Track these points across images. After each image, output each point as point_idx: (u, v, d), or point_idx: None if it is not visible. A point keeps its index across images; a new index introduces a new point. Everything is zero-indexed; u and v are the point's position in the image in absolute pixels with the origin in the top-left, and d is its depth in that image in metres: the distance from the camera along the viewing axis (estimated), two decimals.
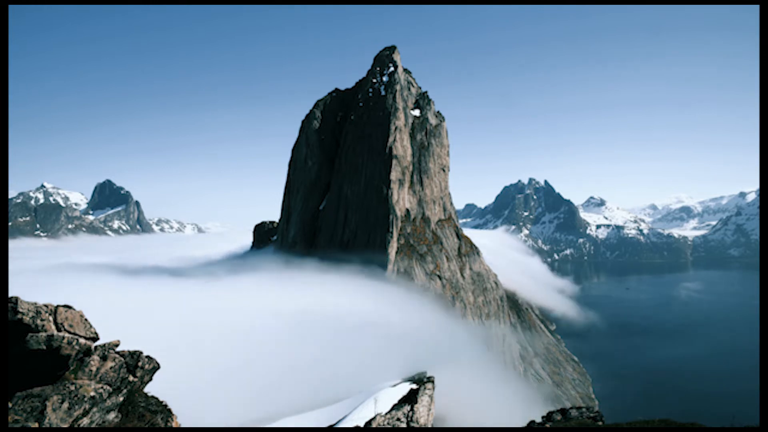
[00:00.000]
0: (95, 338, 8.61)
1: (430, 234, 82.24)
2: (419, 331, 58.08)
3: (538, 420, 19.05)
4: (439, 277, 76.64)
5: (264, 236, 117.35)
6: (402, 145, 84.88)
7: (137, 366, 9.24)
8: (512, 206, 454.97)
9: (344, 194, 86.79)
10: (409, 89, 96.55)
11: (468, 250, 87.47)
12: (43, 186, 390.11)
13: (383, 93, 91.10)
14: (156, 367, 9.78)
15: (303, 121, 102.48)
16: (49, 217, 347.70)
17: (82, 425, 7.67)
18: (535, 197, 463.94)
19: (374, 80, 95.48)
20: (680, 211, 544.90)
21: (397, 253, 75.95)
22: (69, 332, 8.04)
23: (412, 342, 53.63)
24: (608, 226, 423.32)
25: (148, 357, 9.63)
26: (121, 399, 8.70)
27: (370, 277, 71.64)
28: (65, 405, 7.45)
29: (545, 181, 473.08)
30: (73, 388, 7.74)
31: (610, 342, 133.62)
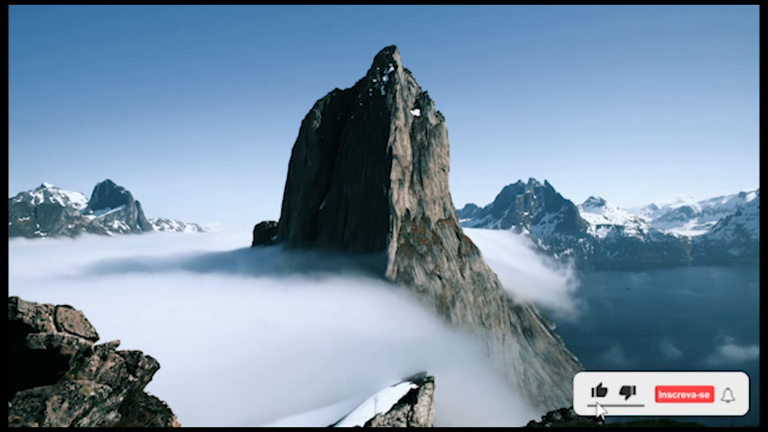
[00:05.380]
0: (95, 338, 8.62)
1: (430, 234, 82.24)
2: (417, 337, 58.13)
3: (538, 420, 19.04)
4: (439, 277, 76.64)
5: (264, 236, 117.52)
6: (402, 145, 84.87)
7: (137, 366, 9.24)
8: (512, 206, 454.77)
9: (344, 194, 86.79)
10: (409, 89, 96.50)
11: (468, 250, 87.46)
12: (43, 186, 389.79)
13: (383, 93, 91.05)
14: (156, 367, 9.78)
15: (303, 121, 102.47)
16: (49, 217, 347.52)
17: (82, 425, 7.68)
18: (535, 197, 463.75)
19: (374, 80, 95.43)
20: (680, 211, 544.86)
21: (397, 252, 75.95)
22: (69, 332, 8.05)
23: (411, 345, 53.65)
24: (608, 226, 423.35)
25: (148, 357, 9.63)
26: (121, 399, 8.70)
27: (370, 277, 71.66)
28: (65, 405, 7.45)
29: (545, 181, 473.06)
30: (73, 387, 7.74)
31: (610, 342, 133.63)
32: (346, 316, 59.31)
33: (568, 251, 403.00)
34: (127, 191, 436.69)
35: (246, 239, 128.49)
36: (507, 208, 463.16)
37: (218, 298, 67.79)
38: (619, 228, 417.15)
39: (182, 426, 10.12)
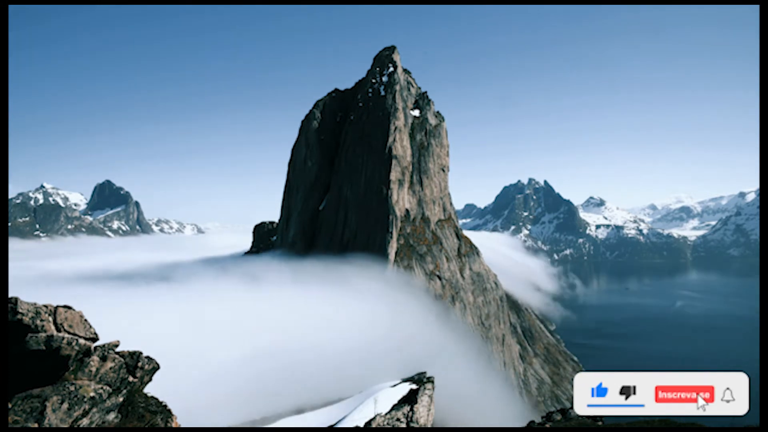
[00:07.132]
0: (95, 339, 8.61)
1: (429, 234, 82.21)
2: (416, 338, 58.13)
3: (538, 420, 19.05)
4: (439, 277, 76.60)
5: (264, 236, 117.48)
6: (402, 146, 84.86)
7: (137, 366, 9.23)
8: (512, 206, 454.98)
9: (344, 194, 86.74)
10: (408, 89, 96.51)
11: (468, 250, 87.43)
12: (42, 186, 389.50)
13: (383, 93, 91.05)
14: (156, 368, 9.77)
15: (303, 122, 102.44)
16: (49, 218, 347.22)
17: (81, 426, 7.66)
18: (534, 197, 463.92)
19: (374, 80, 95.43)
20: (680, 211, 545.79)
21: (396, 253, 75.89)
22: (69, 333, 8.04)
23: (410, 346, 53.66)
24: (608, 226, 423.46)
25: (147, 357, 9.62)
26: (121, 399, 8.69)
27: (369, 278, 71.62)
28: (65, 405, 7.44)
29: (545, 181, 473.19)
30: (72, 388, 7.73)
31: (610, 342, 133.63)
32: (345, 317, 59.26)
33: (567, 251, 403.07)
34: (126, 192, 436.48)
35: (246, 240, 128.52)
36: (507, 209, 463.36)
37: (216, 301, 67.70)
38: (618, 228, 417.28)
39: (182, 426, 10.11)
